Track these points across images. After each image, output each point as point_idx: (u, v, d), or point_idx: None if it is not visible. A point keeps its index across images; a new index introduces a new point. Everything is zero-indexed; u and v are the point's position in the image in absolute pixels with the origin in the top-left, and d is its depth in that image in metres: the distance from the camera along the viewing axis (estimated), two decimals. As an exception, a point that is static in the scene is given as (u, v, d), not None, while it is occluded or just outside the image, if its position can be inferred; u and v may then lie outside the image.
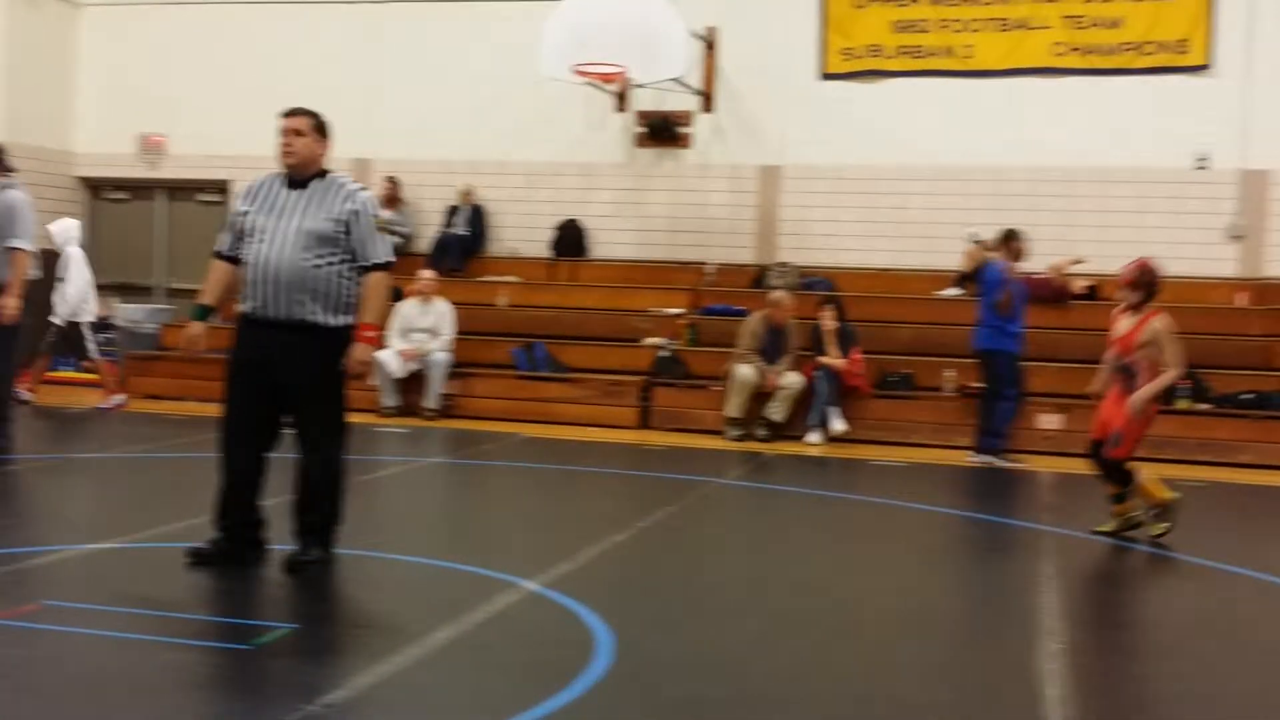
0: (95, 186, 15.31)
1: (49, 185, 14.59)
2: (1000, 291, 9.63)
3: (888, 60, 13.02)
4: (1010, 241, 9.89)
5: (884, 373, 11.31)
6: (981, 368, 10.03)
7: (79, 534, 5.88)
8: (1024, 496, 8.59)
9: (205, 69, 14.37)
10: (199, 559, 5.27)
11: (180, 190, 15.11)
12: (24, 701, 3.62)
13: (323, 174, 5.31)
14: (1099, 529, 6.79)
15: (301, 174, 5.27)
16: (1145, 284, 6.81)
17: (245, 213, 5.31)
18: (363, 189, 5.38)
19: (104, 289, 15.14)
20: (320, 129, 5.31)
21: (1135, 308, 6.81)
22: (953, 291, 12.22)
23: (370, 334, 5.27)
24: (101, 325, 14.27)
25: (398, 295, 12.35)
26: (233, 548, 5.33)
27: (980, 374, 10.09)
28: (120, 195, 15.35)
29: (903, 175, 12.90)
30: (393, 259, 5.37)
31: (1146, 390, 6.63)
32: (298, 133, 5.23)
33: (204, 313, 5.42)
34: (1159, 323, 6.69)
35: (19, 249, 7.96)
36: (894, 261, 12.97)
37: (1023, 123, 12.54)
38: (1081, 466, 7.42)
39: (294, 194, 5.25)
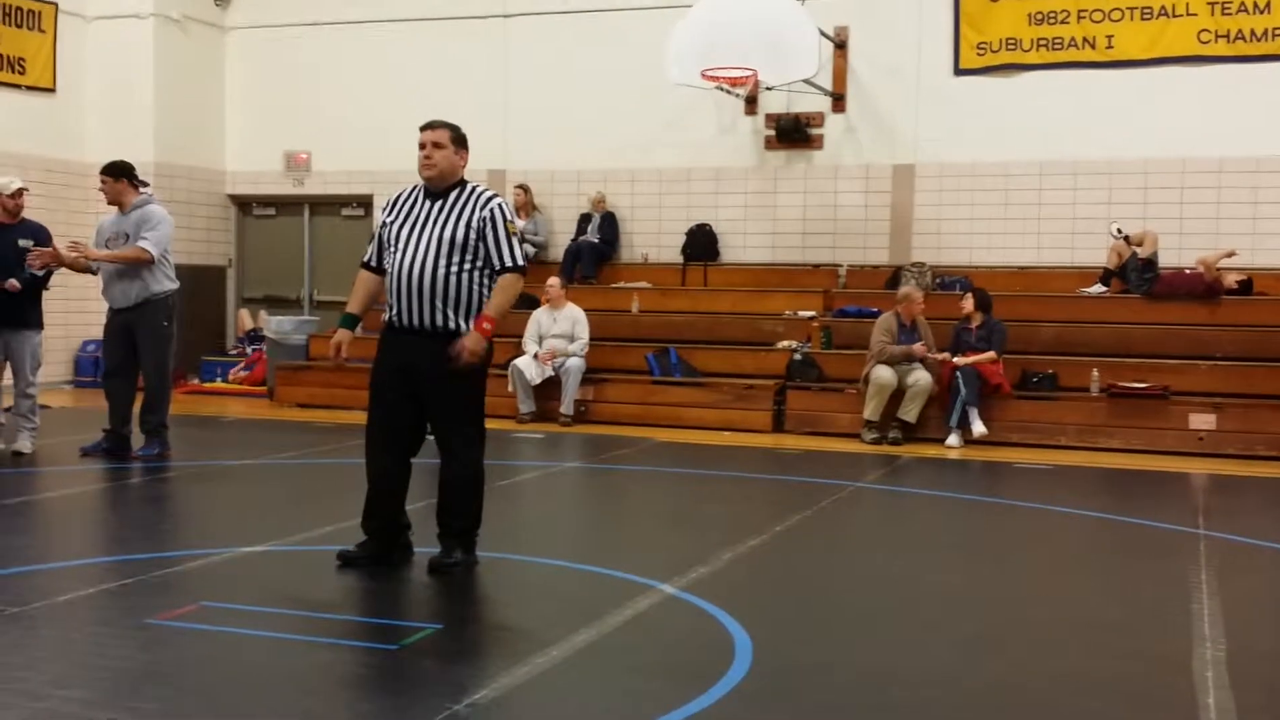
0: (244, 204, 15.89)
1: (202, 203, 15.23)
2: None
3: (1025, 54, 12.72)
4: None
5: (1026, 372, 11.04)
6: None
7: (233, 537, 6.10)
8: (1176, 499, 8.29)
9: (344, 87, 14.80)
10: (347, 561, 5.44)
11: (324, 205, 15.59)
12: (185, 698, 3.77)
13: (461, 184, 5.42)
14: None
15: (440, 185, 5.39)
16: None
17: (386, 224, 5.46)
18: (497, 196, 5.47)
19: (252, 302, 15.79)
20: (459, 140, 5.42)
21: None
22: (1097, 289, 11.88)
23: (487, 325, 5.28)
24: (253, 336, 14.85)
25: (533, 303, 12.54)
26: (379, 550, 5.48)
27: None
28: (267, 211, 15.91)
29: (1042, 170, 12.59)
30: (525, 263, 5.45)
31: None
32: (437, 145, 5.35)
33: (350, 321, 5.58)
34: None
35: (141, 245, 8.31)
36: (1034, 259, 12.67)
37: (1167, 114, 12.13)
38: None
39: (433, 204, 5.37)
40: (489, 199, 5.39)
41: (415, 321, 5.32)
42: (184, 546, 5.93)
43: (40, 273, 8.53)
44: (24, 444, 8.63)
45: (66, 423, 9.11)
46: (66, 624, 4.57)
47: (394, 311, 5.39)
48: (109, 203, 8.64)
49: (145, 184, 8.79)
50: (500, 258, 5.33)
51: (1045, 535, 6.99)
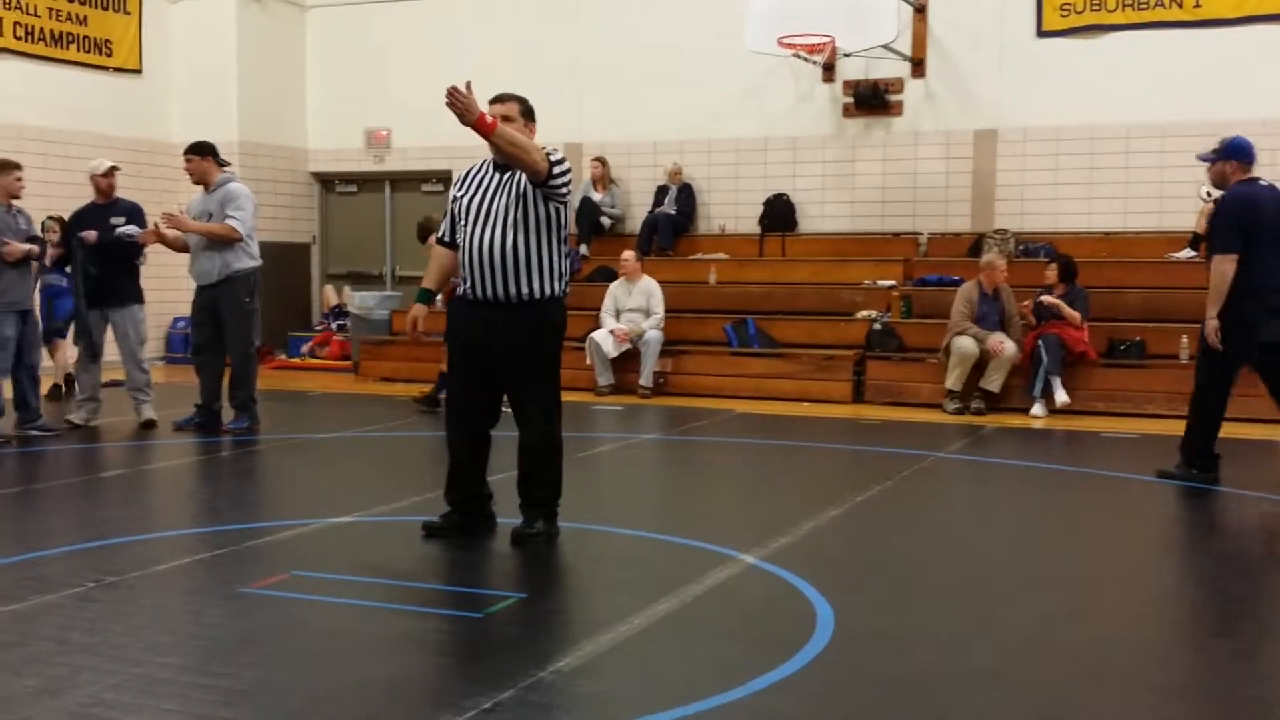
0: (327, 181, 16.12)
1: (286, 181, 15.48)
2: None
3: (1110, 14, 12.42)
4: None
5: (1112, 340, 10.84)
6: None
7: (321, 509, 6.22)
8: (1268, 467, 8.10)
9: (422, 63, 14.90)
10: (431, 532, 5.53)
11: (404, 181, 15.76)
12: (277, 665, 3.87)
13: None
14: None
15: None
16: None
17: (457, 198, 5.50)
18: (555, 152, 5.36)
19: (336, 278, 16.05)
20: (527, 113, 5.41)
21: None
22: (1186, 254, 11.60)
23: (491, 119, 5.09)
24: (337, 312, 15.10)
25: (610, 276, 12.58)
26: (462, 521, 5.56)
27: None
28: (349, 189, 16.12)
29: (1128, 134, 12.31)
30: (549, 153, 5.24)
31: None
32: (506, 118, 5.35)
33: (426, 297, 5.64)
34: None
35: (228, 223, 8.51)
36: (1120, 224, 12.42)
37: (1258, 75, 11.77)
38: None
39: (501, 176, 5.38)
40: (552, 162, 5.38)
41: (489, 293, 5.35)
42: (274, 517, 6.08)
43: (131, 237, 8.79)
44: (147, 412, 8.94)
45: (159, 398, 9.36)
46: (163, 592, 4.72)
47: (468, 284, 5.42)
48: (194, 181, 8.85)
49: (227, 164, 8.99)
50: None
51: (1131, 506, 6.87)
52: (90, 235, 8.72)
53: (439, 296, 6.09)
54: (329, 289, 15.77)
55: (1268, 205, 6.86)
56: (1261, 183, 6.99)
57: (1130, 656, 4.08)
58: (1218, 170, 7.13)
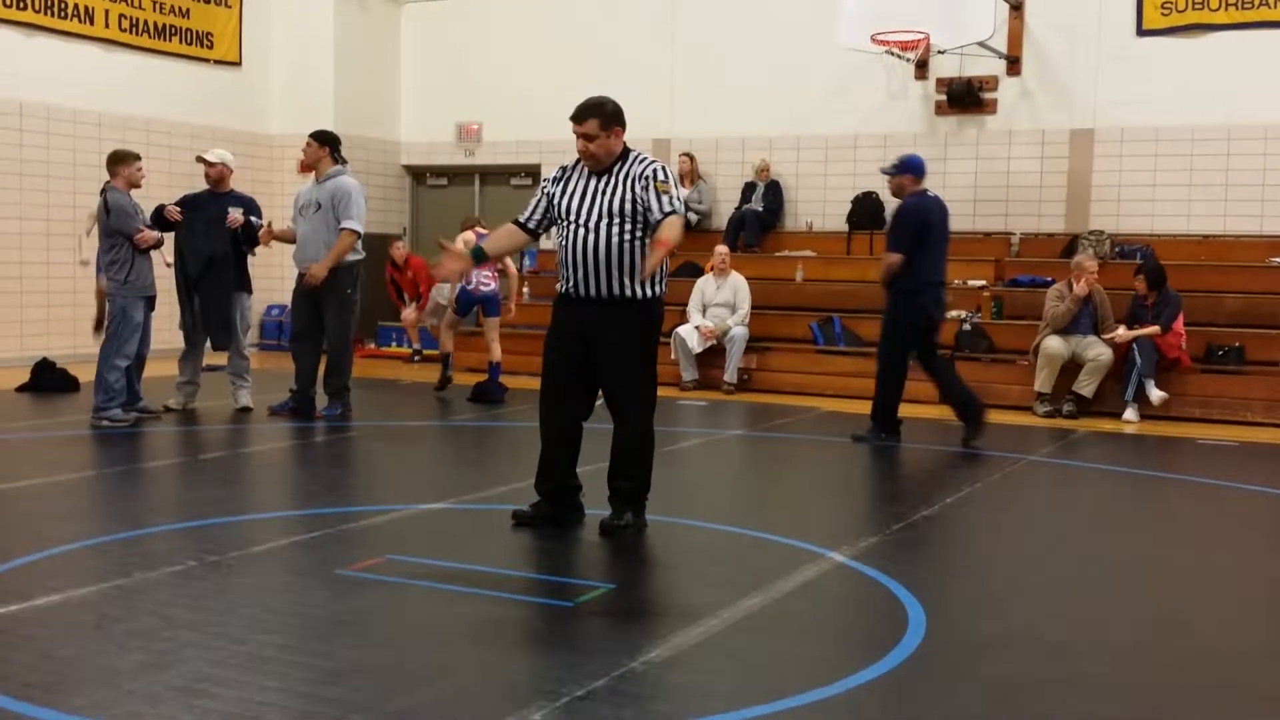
0: (418, 174, 16.33)
1: (379, 174, 15.72)
2: None
3: (1212, 14, 12.14)
4: None
5: (1210, 345, 10.59)
6: None
7: (414, 495, 6.33)
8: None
9: (513, 58, 15.05)
10: (521, 521, 5.59)
11: (494, 175, 15.91)
12: (374, 647, 3.94)
13: (624, 155, 5.46)
14: None
15: (606, 166, 5.44)
16: None
17: (552, 195, 5.55)
18: (655, 161, 5.47)
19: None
20: (608, 121, 5.37)
21: None
22: (1288, 258, 11.32)
23: (667, 245, 5.19)
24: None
25: (697, 271, 12.58)
26: (552, 511, 5.61)
27: None
28: (440, 182, 16.31)
29: (1230, 135, 12.03)
30: (681, 210, 5.41)
31: None
32: (587, 137, 5.36)
33: (479, 254, 5.75)
34: None
35: (346, 229, 8.67)
36: (1220, 227, 12.13)
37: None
38: None
39: (599, 178, 5.44)
40: (646, 164, 5.43)
41: (591, 291, 5.42)
42: (368, 502, 6.18)
43: (259, 225, 9.05)
44: (244, 399, 9.16)
45: (254, 384, 9.56)
46: (263, 573, 4.83)
47: (570, 283, 5.48)
48: (304, 167, 8.98)
49: (345, 161, 9.03)
50: (657, 211, 5.33)
51: (1230, 513, 6.72)
52: (237, 217, 8.94)
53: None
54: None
55: (936, 212, 8.36)
56: (930, 194, 8.45)
57: (1234, 669, 3.99)
58: (896, 182, 8.46)
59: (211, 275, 9.02)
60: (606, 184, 5.41)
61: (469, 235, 10.40)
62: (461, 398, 10.52)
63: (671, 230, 5.27)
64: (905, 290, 8.27)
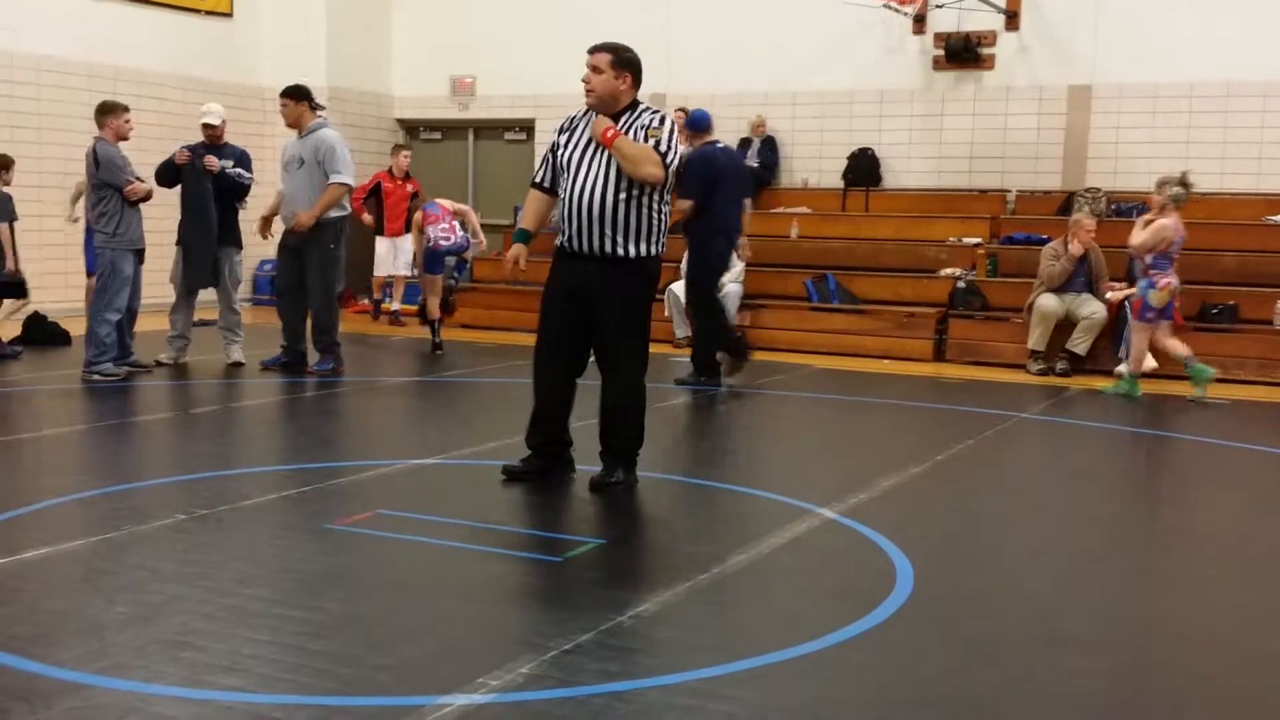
0: (411, 127, 16.21)
1: (371, 127, 15.59)
2: None
3: (1214, -32, 12.01)
4: None
5: (1205, 304, 10.57)
6: None
7: (404, 450, 6.33)
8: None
9: (508, 12, 14.89)
10: (511, 476, 5.59)
11: (488, 129, 15.79)
12: (363, 600, 3.95)
13: (632, 106, 5.41)
14: None
15: (606, 110, 5.38)
16: None
17: (560, 146, 5.50)
18: (660, 112, 5.42)
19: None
20: (621, 64, 5.34)
21: None
22: (1285, 216, 11.27)
23: (610, 133, 5.23)
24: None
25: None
26: (542, 465, 5.61)
27: None
28: (434, 135, 16.19)
29: (1228, 92, 11.94)
30: (662, 152, 5.29)
31: None
32: (596, 69, 5.32)
33: (524, 237, 5.66)
34: None
35: (336, 182, 8.62)
36: (1217, 185, 12.06)
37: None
38: None
39: None
40: (650, 115, 5.37)
41: (587, 247, 5.38)
42: (358, 457, 6.19)
43: (242, 178, 8.98)
44: (236, 354, 9.15)
45: (247, 339, 9.54)
46: (252, 527, 4.83)
47: (566, 236, 5.45)
48: (287, 124, 8.95)
49: (322, 108, 9.07)
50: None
51: (1220, 471, 6.73)
52: (213, 161, 8.88)
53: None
54: (411, 235, 15.88)
55: (723, 162, 8.87)
56: (719, 144, 9.02)
57: (1219, 622, 4.01)
58: (684, 136, 8.63)
59: (200, 222, 8.98)
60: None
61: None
62: (454, 353, 10.50)
63: (633, 146, 5.20)
64: (699, 236, 8.86)
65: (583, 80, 5.37)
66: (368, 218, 13.00)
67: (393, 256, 13.07)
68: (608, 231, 5.34)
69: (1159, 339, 9.14)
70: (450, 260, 10.77)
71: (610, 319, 5.42)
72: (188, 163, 8.91)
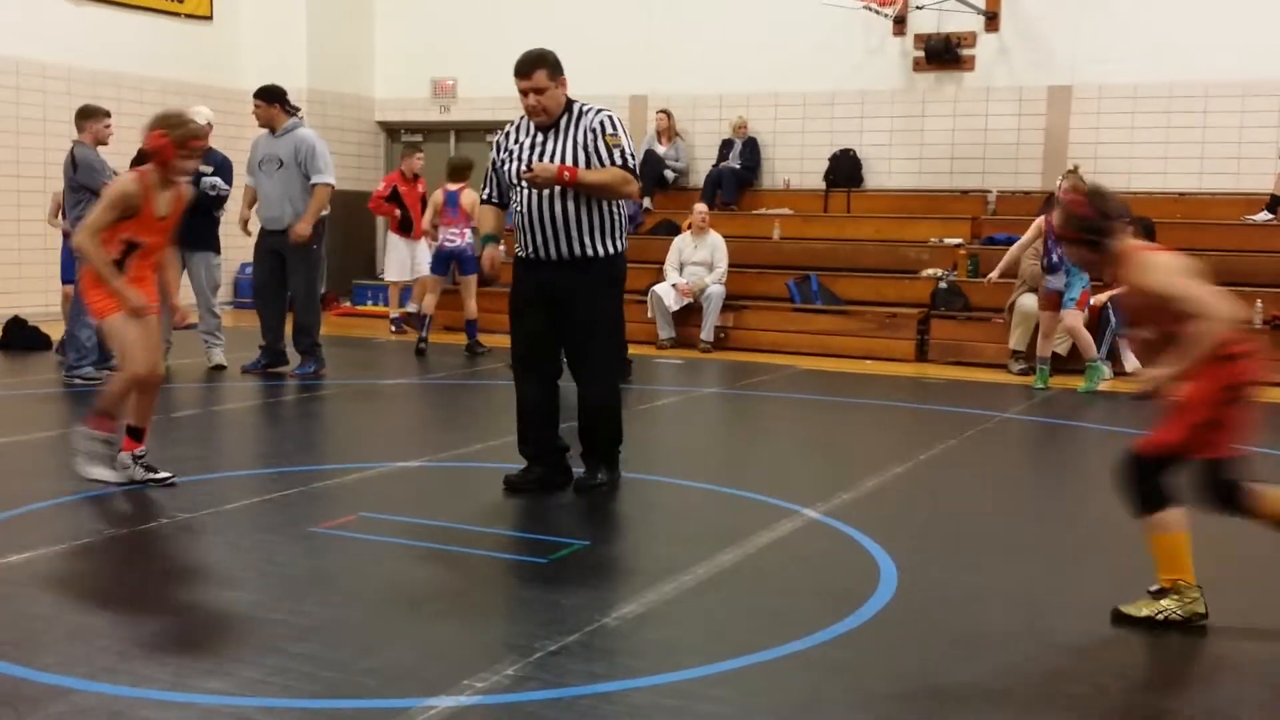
0: (392, 130, 16.18)
1: (352, 129, 15.57)
2: None
3: (1192, -31, 12.09)
4: None
5: (1183, 304, 10.61)
6: None
7: (388, 453, 6.31)
8: None
9: (489, 14, 14.87)
10: (513, 488, 5.47)
11: (469, 131, 15.77)
12: (346, 603, 3.94)
13: (567, 109, 5.35)
14: None
15: (552, 119, 5.34)
16: None
17: (501, 162, 5.46)
18: (603, 111, 5.36)
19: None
20: (553, 72, 5.27)
21: None
22: (1263, 216, 11.34)
23: (568, 175, 5.13)
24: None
25: (674, 229, 12.54)
26: (541, 473, 5.51)
27: None
28: (415, 138, 16.16)
29: (1207, 93, 12.02)
30: (632, 167, 5.32)
31: None
32: (538, 91, 5.24)
33: (492, 239, 5.62)
34: None
35: (321, 183, 8.62)
36: (1196, 185, 12.15)
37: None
38: None
39: (544, 135, 5.33)
40: (594, 115, 5.32)
41: (550, 253, 5.34)
42: (341, 460, 6.17)
43: (212, 193, 8.92)
44: (217, 357, 9.12)
45: (228, 342, 9.50)
46: (235, 530, 4.81)
47: (531, 248, 5.39)
48: (260, 125, 8.95)
49: (296, 109, 9.04)
50: (609, 164, 5.27)
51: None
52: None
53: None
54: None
55: None
56: None
57: (1208, 621, 4.03)
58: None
59: (183, 232, 8.91)
60: (555, 139, 5.30)
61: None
62: (439, 355, 10.48)
63: (603, 175, 5.18)
64: None
65: (528, 105, 5.29)
66: (396, 213, 12.68)
67: (411, 260, 12.70)
68: (574, 234, 5.30)
69: (1070, 320, 9.35)
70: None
71: (580, 321, 5.40)
72: None
